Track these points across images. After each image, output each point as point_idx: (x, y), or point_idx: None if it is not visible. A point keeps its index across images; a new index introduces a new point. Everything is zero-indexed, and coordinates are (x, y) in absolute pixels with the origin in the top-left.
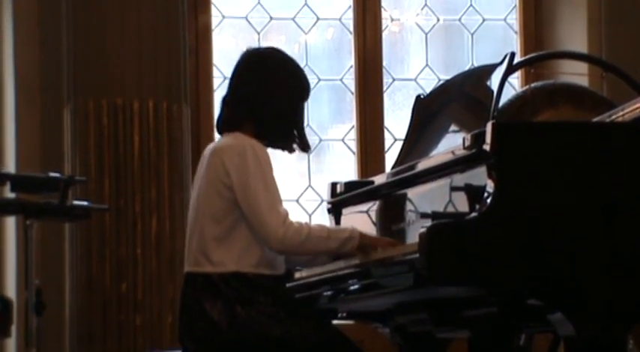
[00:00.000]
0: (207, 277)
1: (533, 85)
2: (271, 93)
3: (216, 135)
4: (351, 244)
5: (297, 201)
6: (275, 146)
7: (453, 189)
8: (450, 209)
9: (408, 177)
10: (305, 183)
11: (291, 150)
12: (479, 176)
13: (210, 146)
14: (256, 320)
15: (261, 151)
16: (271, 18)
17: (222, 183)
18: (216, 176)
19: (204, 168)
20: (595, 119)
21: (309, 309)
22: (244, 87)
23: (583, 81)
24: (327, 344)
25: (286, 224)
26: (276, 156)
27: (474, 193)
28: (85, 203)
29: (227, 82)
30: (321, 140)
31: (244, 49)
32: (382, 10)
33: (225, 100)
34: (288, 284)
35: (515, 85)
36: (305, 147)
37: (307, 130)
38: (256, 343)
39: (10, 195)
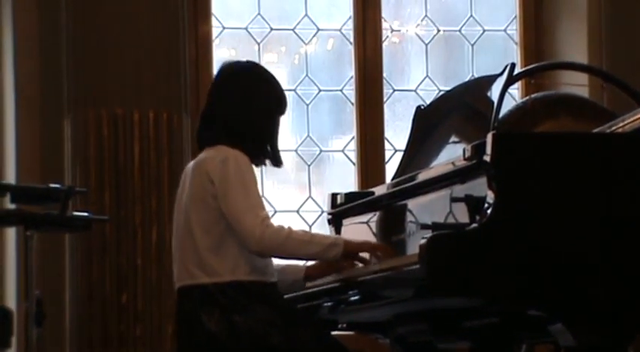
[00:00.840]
0: (203, 288)
1: (533, 95)
2: (246, 110)
3: None
4: (334, 251)
5: (298, 212)
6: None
7: (454, 199)
8: (451, 220)
9: (408, 188)
10: (305, 194)
11: (259, 164)
12: (479, 187)
13: (192, 162)
14: (254, 328)
15: (242, 160)
16: (271, 29)
17: (208, 193)
18: (202, 187)
19: (188, 183)
20: (595, 130)
21: (307, 317)
22: (220, 103)
23: (583, 91)
24: (325, 351)
25: (264, 224)
26: (275, 170)
27: (474, 204)
28: (85, 214)
29: None
30: (321, 151)
31: (222, 63)
32: (382, 20)
33: (202, 116)
34: (287, 295)
35: (515, 95)
36: (277, 163)
37: (307, 141)
38: (256, 351)
39: (10, 206)
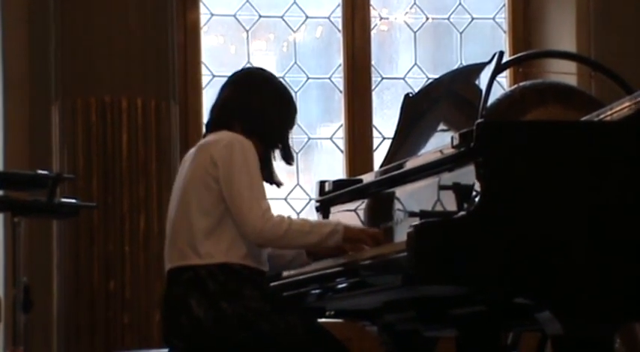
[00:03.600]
0: (193, 270)
1: (521, 84)
2: (263, 103)
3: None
4: (334, 239)
5: (286, 199)
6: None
7: (442, 187)
8: (439, 208)
9: (396, 176)
10: (293, 182)
11: (273, 154)
12: (467, 175)
13: (194, 148)
14: (242, 315)
15: (247, 145)
16: (260, 16)
17: (210, 176)
18: (204, 169)
19: (188, 165)
20: (583, 118)
21: (295, 304)
22: (236, 94)
23: (571, 80)
24: (313, 339)
25: (266, 217)
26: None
27: (462, 192)
28: (72, 200)
29: (215, 79)
30: (309, 138)
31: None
32: (371, 8)
33: (214, 107)
34: (275, 283)
35: (503, 84)
36: (288, 159)
37: (295, 129)
38: (243, 339)
39: None
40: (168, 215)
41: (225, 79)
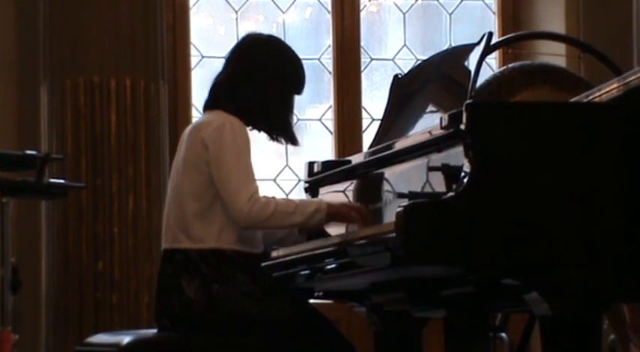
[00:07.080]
0: (185, 253)
1: (510, 65)
2: (262, 80)
3: (194, 114)
4: (318, 217)
5: (275, 180)
6: (259, 130)
7: (430, 168)
8: (427, 189)
9: (385, 157)
10: (282, 163)
11: (274, 139)
12: (456, 156)
13: (190, 125)
14: (233, 298)
15: (239, 128)
16: None
17: (201, 159)
18: (196, 152)
19: (184, 147)
20: (572, 99)
21: (286, 288)
22: (236, 70)
23: (560, 61)
24: (303, 323)
25: (253, 199)
26: (253, 136)
27: (450, 173)
28: (61, 181)
29: (205, 60)
30: (298, 119)
31: (245, 33)
32: None
33: (215, 80)
34: (264, 263)
35: (492, 65)
36: (291, 141)
37: None
38: (232, 321)
39: None
40: (167, 193)
41: (214, 60)
